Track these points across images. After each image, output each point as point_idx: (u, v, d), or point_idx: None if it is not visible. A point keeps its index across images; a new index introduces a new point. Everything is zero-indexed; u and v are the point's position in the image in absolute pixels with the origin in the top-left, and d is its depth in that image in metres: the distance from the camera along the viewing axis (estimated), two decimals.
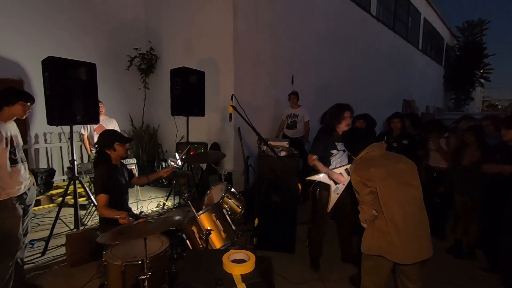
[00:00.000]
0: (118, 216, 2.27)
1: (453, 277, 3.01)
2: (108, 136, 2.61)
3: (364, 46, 9.09)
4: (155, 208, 4.47)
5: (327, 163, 2.88)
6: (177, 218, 1.93)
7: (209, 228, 2.08)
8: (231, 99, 2.22)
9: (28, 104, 2.44)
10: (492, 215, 3.15)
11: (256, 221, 1.90)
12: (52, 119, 3.10)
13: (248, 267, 1.35)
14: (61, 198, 3.62)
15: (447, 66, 19.69)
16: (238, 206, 2.61)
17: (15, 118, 2.45)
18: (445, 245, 3.60)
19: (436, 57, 17.79)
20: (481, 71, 20.47)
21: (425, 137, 4.02)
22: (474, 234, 3.35)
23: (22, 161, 2.48)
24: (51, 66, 3.05)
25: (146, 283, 1.59)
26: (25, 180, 2.49)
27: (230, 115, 2.29)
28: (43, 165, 5.34)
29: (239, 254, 1.45)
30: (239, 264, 1.35)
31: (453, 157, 3.48)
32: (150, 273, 1.62)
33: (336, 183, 2.82)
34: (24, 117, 2.48)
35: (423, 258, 1.91)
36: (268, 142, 3.38)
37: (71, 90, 3.18)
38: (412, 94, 13.51)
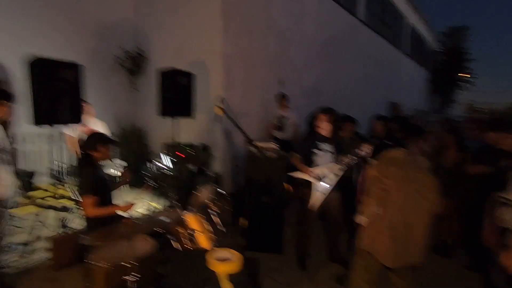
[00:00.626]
0: (111, 211, 2.27)
1: (437, 275, 3.09)
2: (91, 138, 2.62)
3: (353, 50, 9.27)
4: (141, 209, 4.42)
5: (310, 162, 2.95)
6: (163, 219, 1.93)
7: (195, 229, 2.08)
8: (221, 101, 2.24)
9: (11, 104, 2.40)
10: (472, 215, 3.27)
11: (244, 221, 1.91)
12: (39, 120, 3.05)
13: (234, 266, 1.37)
14: (44, 200, 3.54)
15: (432, 70, 20.26)
16: (225, 207, 2.62)
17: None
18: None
19: (422, 61, 18.28)
20: (463, 75, 21.17)
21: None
22: (456, 234, 3.45)
23: (8, 164, 2.43)
24: (38, 66, 2.99)
25: (135, 284, 1.58)
26: (11, 184, 2.45)
27: (218, 116, 2.30)
28: (23, 166, 5.20)
29: (223, 252, 1.47)
30: (223, 262, 1.37)
31: (433, 159, 3.58)
32: (138, 276, 1.61)
33: (319, 181, 2.89)
34: (9, 119, 2.43)
35: (406, 264, 1.93)
36: (256, 144, 3.44)
37: (56, 91, 3.12)
38: (398, 97, 13.81)
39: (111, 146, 2.63)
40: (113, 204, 2.45)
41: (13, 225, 3.86)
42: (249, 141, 2.24)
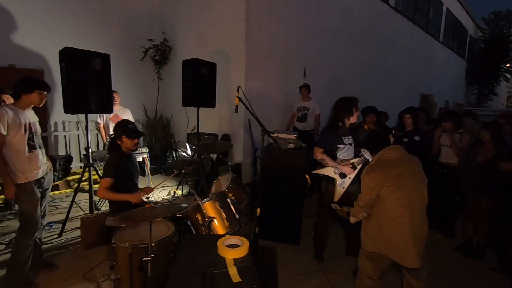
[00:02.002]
0: (122, 198, 2.36)
1: (459, 275, 2.97)
2: (118, 128, 2.67)
3: (381, 39, 8.84)
4: (166, 196, 4.61)
5: (333, 157, 2.88)
6: (183, 205, 2.01)
7: (212, 216, 2.14)
8: (237, 90, 2.24)
9: (45, 93, 2.56)
10: (504, 214, 3.08)
11: (258, 210, 1.94)
12: (68, 108, 3.23)
13: (241, 252, 1.41)
14: (78, 184, 3.78)
15: (470, 60, 18.82)
16: (243, 196, 2.66)
17: (33, 106, 2.57)
18: (454, 243, 3.55)
19: (459, 50, 17.04)
20: (507, 65, 19.45)
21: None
22: (484, 233, 3.27)
23: (40, 147, 2.61)
24: (68, 56, 3.16)
25: (149, 265, 1.68)
26: (43, 165, 2.63)
27: (236, 106, 2.32)
28: (61, 152, 5.58)
29: (234, 239, 1.51)
30: (232, 248, 1.41)
31: (467, 154, 3.40)
32: (153, 255, 1.70)
33: (342, 177, 2.82)
34: (41, 105, 2.59)
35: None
36: (276, 135, 3.42)
37: (86, 80, 3.29)
38: (431, 88, 13.07)
39: (136, 139, 2.66)
40: (129, 192, 2.50)
41: (50, 205, 4.21)
42: (265, 131, 2.24)
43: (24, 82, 2.50)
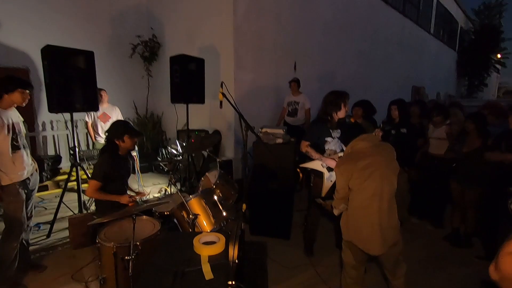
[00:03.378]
0: (111, 198, 2.34)
1: (448, 264, 3.02)
2: (119, 127, 2.59)
3: (372, 31, 8.84)
4: (157, 194, 4.58)
5: (321, 150, 2.88)
6: (169, 202, 2.00)
7: (197, 213, 2.14)
8: (221, 86, 2.22)
9: (27, 91, 2.50)
10: (491, 204, 3.13)
11: (244, 206, 1.94)
12: (52, 107, 3.18)
13: (216, 249, 1.41)
14: (66, 183, 3.74)
15: (461, 51, 18.95)
16: (231, 192, 2.66)
17: (15, 105, 2.52)
18: (443, 233, 3.61)
19: (450, 41, 17.13)
20: (498, 55, 19.62)
21: (426, 125, 3.95)
22: (471, 223, 3.33)
23: (24, 147, 2.57)
24: (50, 54, 3.10)
25: (130, 264, 1.67)
26: (28, 166, 2.59)
27: (221, 102, 2.30)
28: (50, 151, 5.51)
29: (211, 236, 1.51)
30: (208, 245, 1.41)
31: (455, 144, 3.44)
32: (135, 254, 1.69)
33: (329, 170, 2.82)
34: (24, 104, 2.54)
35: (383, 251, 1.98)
36: (265, 130, 3.42)
37: (70, 78, 3.23)
38: (422, 80, 13.14)
39: (136, 138, 2.63)
40: (118, 194, 2.48)
41: (39, 206, 4.17)
42: (248, 127, 2.23)
43: (5, 81, 2.45)
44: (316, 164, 2.85)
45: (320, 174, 2.85)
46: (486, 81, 20.36)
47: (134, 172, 4.66)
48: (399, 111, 3.76)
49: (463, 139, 3.31)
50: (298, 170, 3.97)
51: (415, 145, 3.86)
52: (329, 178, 2.84)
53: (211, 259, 1.36)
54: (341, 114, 2.83)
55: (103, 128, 4.76)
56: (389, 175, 1.98)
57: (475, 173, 3.13)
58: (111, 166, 2.50)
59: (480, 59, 18.81)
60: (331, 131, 2.86)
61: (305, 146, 2.85)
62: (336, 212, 2.12)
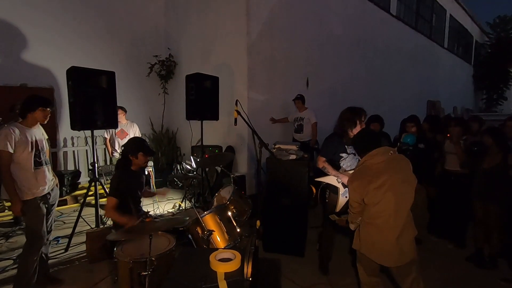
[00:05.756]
0: (124, 222, 2.37)
1: (469, 286, 2.88)
2: (134, 144, 2.70)
3: (384, 46, 8.87)
4: (171, 209, 4.63)
5: (336, 166, 2.86)
6: (185, 218, 2.02)
7: (211, 229, 2.15)
8: (236, 104, 2.28)
9: (48, 109, 2.62)
10: None
11: (258, 223, 1.94)
12: (75, 124, 3.33)
13: (232, 266, 1.41)
14: (85, 198, 3.84)
15: (477, 65, 18.62)
16: (244, 209, 2.66)
17: (38, 123, 2.65)
18: (465, 253, 3.45)
19: (465, 55, 16.91)
20: None
21: (441, 140, 3.87)
22: (496, 243, 3.17)
23: (46, 164, 2.68)
24: (74, 75, 3.28)
25: (147, 279, 1.68)
26: (49, 181, 2.69)
27: (235, 119, 2.35)
28: (70, 167, 5.70)
29: (227, 253, 1.51)
30: (224, 262, 1.41)
31: (473, 160, 3.33)
32: (151, 270, 1.71)
33: (344, 186, 2.79)
34: (46, 122, 2.66)
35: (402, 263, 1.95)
36: (278, 146, 3.44)
37: (92, 97, 3.39)
38: (438, 94, 12.95)
39: (150, 156, 2.73)
40: (132, 215, 2.48)
41: (57, 220, 4.28)
42: (262, 143, 2.26)
43: (28, 101, 2.57)
44: (331, 179, 2.84)
45: (335, 189, 2.83)
46: (506, 94, 19.79)
47: (149, 187, 4.76)
48: (416, 127, 3.72)
49: (482, 154, 3.21)
50: (311, 186, 3.94)
51: (433, 160, 3.77)
52: (344, 194, 2.81)
53: (227, 276, 1.36)
54: (356, 131, 2.83)
55: (120, 144, 4.91)
56: (406, 190, 1.94)
57: (498, 190, 3.01)
58: (124, 181, 2.58)
59: (498, 73, 18.39)
60: (346, 147, 2.86)
61: (322, 162, 2.84)
62: (352, 227, 2.08)
